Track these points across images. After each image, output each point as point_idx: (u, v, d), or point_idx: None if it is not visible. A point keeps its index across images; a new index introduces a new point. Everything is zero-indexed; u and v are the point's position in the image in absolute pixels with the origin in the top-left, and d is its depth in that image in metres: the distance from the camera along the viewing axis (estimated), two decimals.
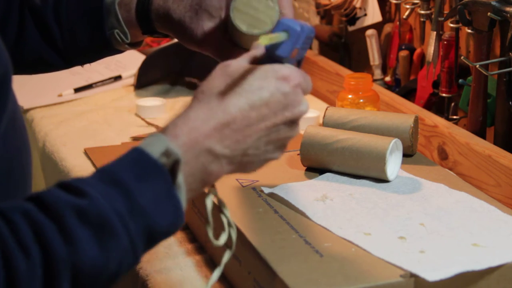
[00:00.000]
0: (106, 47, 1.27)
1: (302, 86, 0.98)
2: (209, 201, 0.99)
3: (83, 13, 1.26)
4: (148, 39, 2.35)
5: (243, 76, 0.95)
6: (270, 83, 0.95)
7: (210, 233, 0.99)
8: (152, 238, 0.90)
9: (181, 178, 0.91)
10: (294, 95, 0.96)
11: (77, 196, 0.86)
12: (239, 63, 0.97)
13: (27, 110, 1.94)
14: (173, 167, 0.90)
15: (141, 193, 0.88)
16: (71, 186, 0.87)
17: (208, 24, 1.18)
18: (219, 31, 1.18)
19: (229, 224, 1.01)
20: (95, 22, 1.25)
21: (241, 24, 1.09)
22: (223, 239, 1.00)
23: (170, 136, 0.92)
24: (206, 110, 0.94)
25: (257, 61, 0.98)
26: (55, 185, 0.88)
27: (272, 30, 0.98)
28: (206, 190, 1.00)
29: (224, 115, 0.94)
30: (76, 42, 1.28)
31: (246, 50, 1.04)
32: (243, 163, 0.96)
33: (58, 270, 0.83)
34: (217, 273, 1.02)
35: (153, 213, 0.88)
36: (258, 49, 0.99)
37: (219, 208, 1.01)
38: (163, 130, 0.93)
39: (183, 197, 0.91)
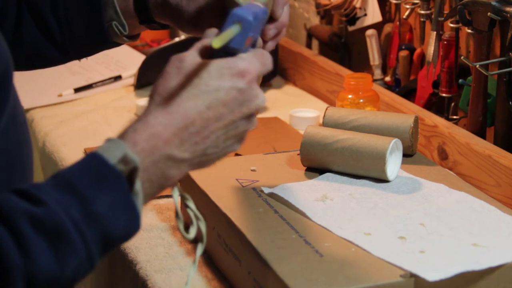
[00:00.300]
0: (104, 40, 1.27)
1: (260, 72, 0.97)
2: (176, 195, 0.99)
3: (81, 6, 1.26)
4: (148, 39, 2.35)
5: (199, 75, 0.94)
6: (225, 82, 0.95)
7: (181, 227, 0.99)
8: (108, 245, 0.89)
9: (138, 185, 0.90)
10: (250, 90, 0.96)
11: (32, 204, 0.85)
12: (193, 58, 0.96)
13: (27, 110, 1.94)
14: (131, 174, 0.90)
15: (97, 201, 0.87)
16: (27, 193, 0.86)
17: (203, 6, 1.19)
18: (216, 9, 1.19)
19: (196, 217, 1.00)
20: (93, 14, 1.25)
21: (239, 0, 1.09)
22: (192, 232, 0.99)
23: (128, 143, 0.91)
24: (165, 115, 0.93)
25: (210, 54, 0.97)
26: (11, 191, 0.87)
27: (224, 23, 0.96)
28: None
29: (183, 119, 0.93)
30: (73, 35, 1.27)
31: None
32: (202, 162, 0.96)
33: (12, 278, 0.83)
34: (192, 269, 1.02)
35: (109, 221, 0.88)
36: (209, 37, 0.98)
37: (184, 203, 1.00)
38: (121, 136, 0.92)
39: (140, 203, 0.90)
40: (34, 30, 1.27)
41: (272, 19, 1.14)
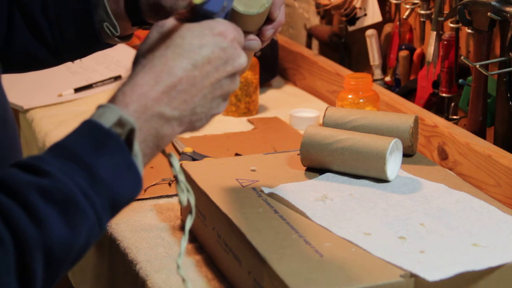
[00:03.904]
0: (96, 41, 1.27)
1: (237, 39, 1.00)
2: (176, 162, 0.99)
3: (72, 7, 1.26)
4: (142, 38, 2.34)
5: (181, 35, 0.97)
6: (208, 40, 0.97)
7: (181, 195, 0.99)
8: (116, 208, 0.91)
9: (137, 146, 0.92)
10: (232, 48, 0.98)
11: (38, 176, 0.86)
12: (173, 22, 0.98)
13: (27, 110, 1.94)
14: (128, 136, 0.91)
15: (100, 166, 0.89)
16: (30, 166, 0.87)
17: None
18: None
19: (187, 190, 1.00)
20: (84, 16, 1.25)
21: (238, 4, 1.10)
22: (184, 200, 0.99)
23: (120, 105, 0.92)
24: (152, 74, 0.95)
25: (188, 19, 0.99)
26: (12, 165, 0.88)
27: None
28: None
29: (170, 78, 0.95)
30: (65, 37, 1.27)
31: (244, 31, 1.04)
32: (193, 121, 0.98)
33: (30, 251, 0.84)
34: (184, 241, 1.01)
35: (115, 184, 0.89)
36: (183, 8, 1.00)
37: (175, 176, 1.00)
38: (112, 100, 0.94)
39: (140, 164, 0.92)
40: (25, 32, 1.27)
41: (269, 20, 1.15)
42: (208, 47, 0.97)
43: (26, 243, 0.84)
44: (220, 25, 0.98)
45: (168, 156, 0.99)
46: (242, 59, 1.00)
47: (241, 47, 1.01)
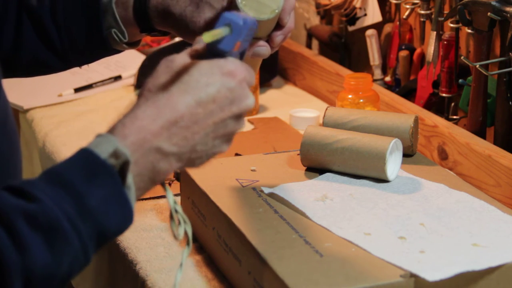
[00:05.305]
0: (104, 47, 1.27)
1: (247, 80, 0.98)
2: (171, 198, 0.99)
3: (80, 13, 1.26)
4: (148, 39, 2.35)
5: (189, 72, 0.95)
6: (216, 79, 0.95)
7: (174, 228, 0.99)
8: (103, 239, 0.90)
9: (130, 179, 0.91)
10: (240, 89, 0.97)
11: (26, 200, 0.86)
12: (183, 58, 0.97)
13: (27, 110, 1.94)
14: (122, 168, 0.90)
15: (90, 195, 0.88)
16: (20, 190, 0.87)
17: (209, 16, 1.18)
18: None
19: (184, 221, 1.00)
20: (92, 21, 1.25)
21: (248, 10, 1.09)
22: (181, 233, 0.99)
23: (118, 137, 0.92)
24: (154, 109, 0.94)
25: (200, 56, 0.98)
26: (3, 188, 0.88)
27: (215, 25, 0.98)
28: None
29: (172, 113, 0.94)
30: (73, 42, 1.27)
31: (254, 37, 1.04)
32: (192, 159, 0.97)
33: (10, 276, 0.83)
34: (179, 273, 1.02)
35: (103, 215, 0.88)
36: (199, 43, 0.99)
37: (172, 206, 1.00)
38: (111, 130, 0.93)
39: (132, 197, 0.91)
40: (34, 37, 1.27)
41: (279, 25, 1.14)
42: (214, 86, 0.95)
43: (7, 268, 0.83)
44: (230, 64, 0.97)
45: (163, 186, 0.98)
46: (249, 101, 0.98)
47: (251, 88, 0.99)
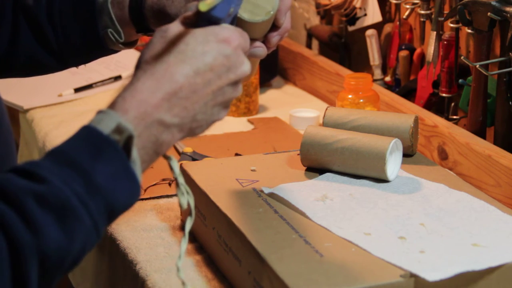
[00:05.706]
0: (100, 47, 1.27)
1: (242, 46, 0.98)
2: (176, 165, 0.98)
3: (76, 13, 1.26)
4: (146, 39, 2.34)
5: (185, 41, 0.96)
6: (212, 47, 0.96)
7: (181, 198, 0.99)
8: (113, 214, 0.91)
9: (135, 153, 0.91)
10: (236, 56, 0.97)
11: (34, 182, 0.86)
12: (177, 27, 0.97)
13: (27, 110, 1.94)
14: (127, 142, 0.91)
15: (97, 172, 0.88)
16: (27, 172, 0.87)
17: None
18: None
19: (187, 192, 1.00)
20: (88, 21, 1.25)
21: (243, 12, 1.10)
22: (185, 202, 0.99)
23: (119, 111, 0.92)
24: (153, 81, 0.94)
25: (194, 24, 0.98)
26: (9, 170, 0.88)
27: None
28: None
29: (171, 84, 0.94)
30: (69, 42, 1.27)
31: (250, 39, 1.04)
32: (193, 128, 0.97)
33: (25, 257, 0.84)
34: (184, 243, 1.01)
35: (112, 191, 0.89)
36: (191, 10, 0.99)
37: (175, 178, 1.00)
38: (111, 106, 0.93)
39: (138, 171, 0.92)
40: (30, 37, 1.27)
41: (275, 26, 1.15)
42: (211, 54, 0.95)
43: (22, 249, 0.84)
44: (225, 31, 0.97)
45: (167, 159, 0.98)
46: (245, 67, 0.98)
47: (246, 54, 1.00)
